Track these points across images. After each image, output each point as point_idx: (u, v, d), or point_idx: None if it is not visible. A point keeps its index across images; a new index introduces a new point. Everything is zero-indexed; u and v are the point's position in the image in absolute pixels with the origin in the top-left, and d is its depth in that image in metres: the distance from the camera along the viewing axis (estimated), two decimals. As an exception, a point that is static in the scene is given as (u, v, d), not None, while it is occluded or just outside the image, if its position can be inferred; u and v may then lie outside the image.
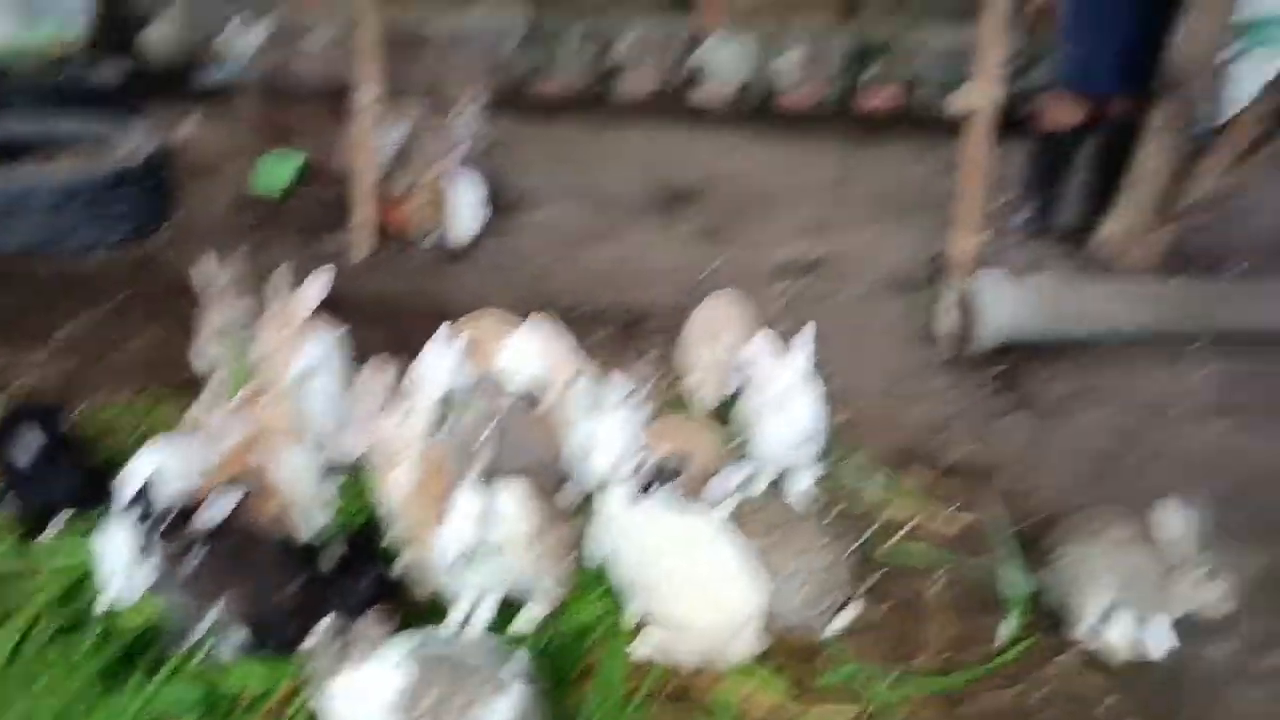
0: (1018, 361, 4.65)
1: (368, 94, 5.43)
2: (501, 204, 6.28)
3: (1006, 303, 4.63)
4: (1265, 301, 4.77)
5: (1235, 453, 4.09)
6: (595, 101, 8.69)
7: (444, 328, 3.67)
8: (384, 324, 4.47)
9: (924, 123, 7.82)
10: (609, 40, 8.75)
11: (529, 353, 3.78)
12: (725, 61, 8.57)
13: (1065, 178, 6.15)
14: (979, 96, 4.39)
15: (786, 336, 3.56)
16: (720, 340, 3.96)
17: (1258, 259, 5.61)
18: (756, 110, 8.54)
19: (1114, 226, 4.99)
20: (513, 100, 8.18)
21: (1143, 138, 4.81)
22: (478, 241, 5.96)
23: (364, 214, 5.66)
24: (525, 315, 3.97)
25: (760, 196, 6.79)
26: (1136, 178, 4.82)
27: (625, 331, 4.95)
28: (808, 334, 3.51)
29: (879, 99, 8.41)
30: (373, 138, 5.60)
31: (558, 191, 6.73)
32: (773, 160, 7.54)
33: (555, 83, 8.67)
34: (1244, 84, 4.68)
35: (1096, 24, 5.73)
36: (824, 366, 3.59)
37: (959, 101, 4.47)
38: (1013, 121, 4.58)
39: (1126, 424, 4.30)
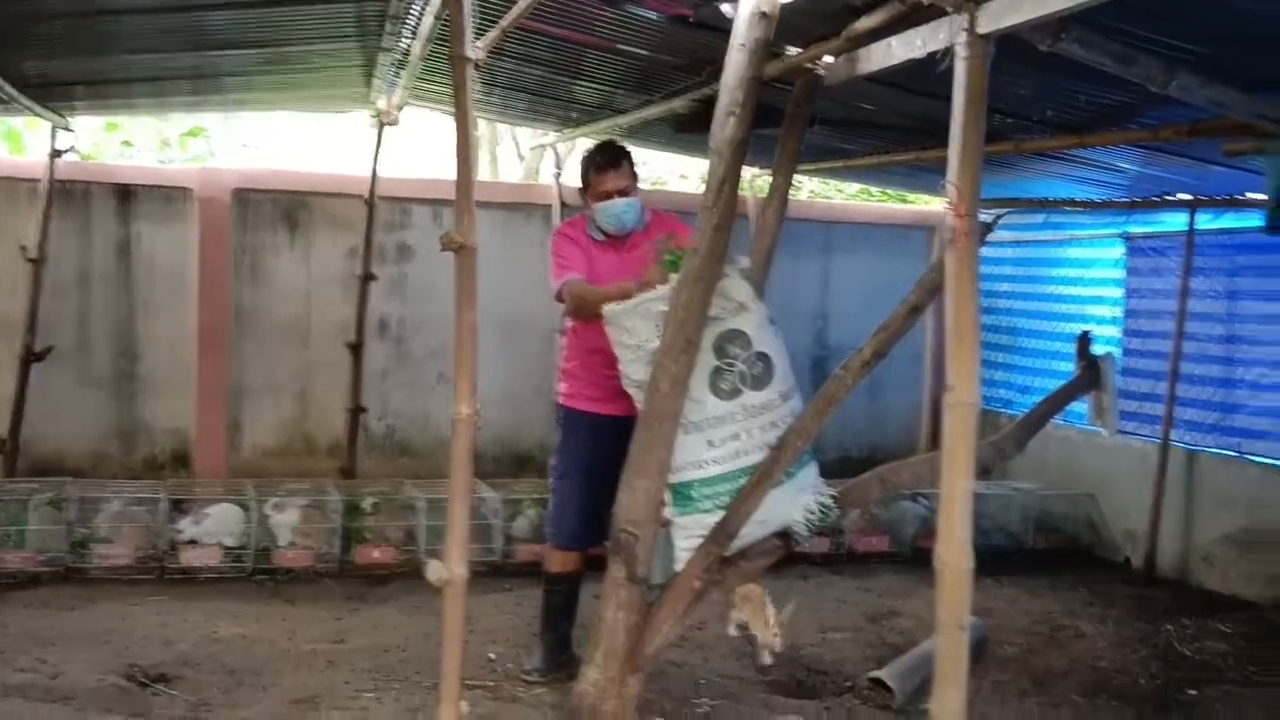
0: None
1: None
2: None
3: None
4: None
5: None
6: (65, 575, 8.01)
7: None
8: None
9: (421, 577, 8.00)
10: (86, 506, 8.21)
11: None
12: (215, 523, 8.35)
13: (561, 624, 6.55)
14: (452, 569, 4.57)
15: None
16: None
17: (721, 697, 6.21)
18: (251, 571, 8.30)
19: (590, 676, 5.24)
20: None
21: (603, 592, 5.22)
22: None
23: None
24: None
25: (251, 670, 6.42)
26: (601, 631, 5.17)
27: None
28: None
29: (377, 553, 8.55)
30: None
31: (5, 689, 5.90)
32: (267, 625, 7.26)
33: (19, 555, 7.88)
34: (682, 541, 5.27)
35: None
36: None
37: (432, 574, 4.61)
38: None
39: None
